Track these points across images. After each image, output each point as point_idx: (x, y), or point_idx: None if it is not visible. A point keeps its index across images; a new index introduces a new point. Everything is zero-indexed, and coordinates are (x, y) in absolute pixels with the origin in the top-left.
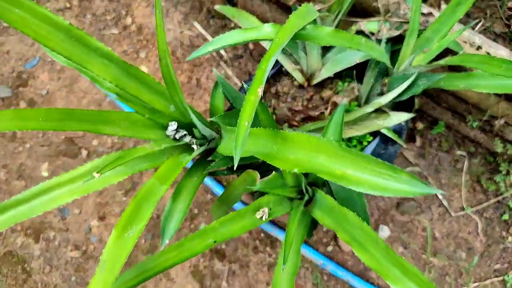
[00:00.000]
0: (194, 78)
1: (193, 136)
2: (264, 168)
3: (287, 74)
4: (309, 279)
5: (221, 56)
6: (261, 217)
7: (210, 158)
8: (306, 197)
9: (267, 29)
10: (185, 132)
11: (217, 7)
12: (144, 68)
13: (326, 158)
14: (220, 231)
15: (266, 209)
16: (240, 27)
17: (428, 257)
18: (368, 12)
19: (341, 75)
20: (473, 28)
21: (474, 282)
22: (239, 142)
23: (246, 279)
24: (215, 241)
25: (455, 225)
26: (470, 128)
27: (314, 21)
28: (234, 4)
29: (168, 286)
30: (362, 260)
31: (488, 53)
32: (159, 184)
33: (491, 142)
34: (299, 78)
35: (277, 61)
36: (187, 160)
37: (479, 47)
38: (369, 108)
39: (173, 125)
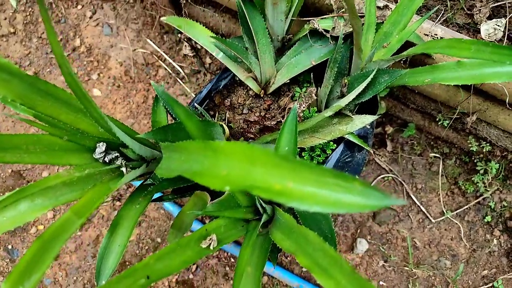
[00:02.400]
0: (150, 97)
1: (126, 157)
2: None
3: (241, 83)
4: None
5: (178, 73)
6: (208, 246)
7: (149, 182)
8: (264, 217)
9: None
10: (116, 154)
11: (163, 18)
12: (96, 92)
13: (263, 171)
14: (156, 268)
15: (214, 236)
16: (190, 38)
17: (411, 269)
18: (321, 11)
19: (298, 81)
20: (433, 21)
21: None
22: None
23: None
24: (148, 278)
25: (436, 232)
26: (441, 128)
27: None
28: (182, 12)
29: None
30: None
31: None
32: (76, 218)
33: (465, 141)
34: (254, 87)
35: (229, 70)
36: (116, 186)
37: (441, 39)
38: (328, 112)
39: (101, 147)
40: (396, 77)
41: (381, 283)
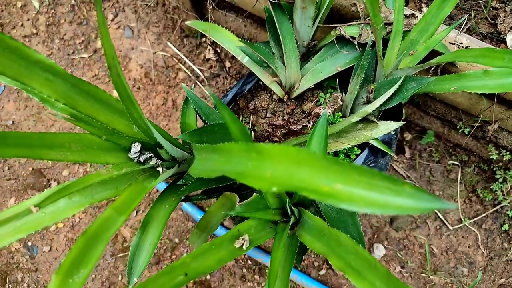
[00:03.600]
0: (169, 99)
1: (160, 158)
2: (244, 189)
3: (265, 88)
4: None
5: (197, 76)
6: (241, 246)
7: (181, 182)
8: (292, 220)
9: None
10: (150, 154)
11: (188, 22)
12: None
13: (309, 172)
14: (192, 266)
15: (246, 237)
16: (214, 42)
17: (428, 275)
18: (346, 18)
19: (322, 86)
20: (457, 29)
21: None
22: None
23: None
24: (186, 275)
25: (454, 239)
26: (461, 136)
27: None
28: (206, 20)
29: None
30: None
31: None
32: (117, 215)
33: (485, 149)
34: (278, 91)
35: (253, 74)
36: (152, 186)
37: (467, 48)
38: (354, 118)
39: (136, 147)
40: (424, 84)
41: None
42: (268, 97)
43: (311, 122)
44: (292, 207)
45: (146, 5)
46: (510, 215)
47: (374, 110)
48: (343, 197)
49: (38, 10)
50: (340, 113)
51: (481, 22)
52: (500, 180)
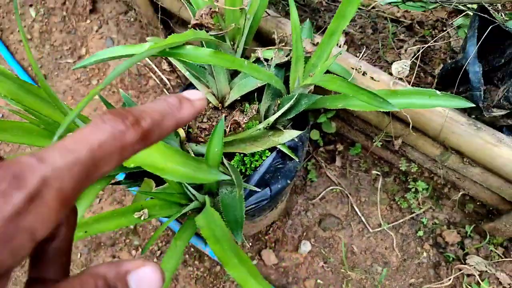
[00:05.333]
0: (139, 104)
1: None
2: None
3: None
4: None
5: (165, 84)
6: (140, 217)
7: None
8: (196, 204)
9: (147, 45)
10: None
11: (149, 38)
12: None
13: (158, 156)
14: (94, 226)
15: (146, 211)
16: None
17: (346, 271)
18: (272, 42)
19: (249, 98)
20: (357, 56)
21: None
22: None
23: None
24: (86, 233)
25: (373, 241)
26: (381, 149)
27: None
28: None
29: None
30: (213, 250)
31: (372, 78)
32: None
33: (399, 162)
34: (212, 100)
35: (193, 85)
36: None
37: (364, 73)
38: (260, 125)
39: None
40: (313, 100)
41: (318, 281)
42: (207, 105)
43: (229, 127)
44: (197, 193)
45: (127, 19)
46: (424, 223)
47: (282, 120)
48: (169, 171)
49: (34, 19)
50: (257, 122)
51: (388, 51)
52: (413, 190)
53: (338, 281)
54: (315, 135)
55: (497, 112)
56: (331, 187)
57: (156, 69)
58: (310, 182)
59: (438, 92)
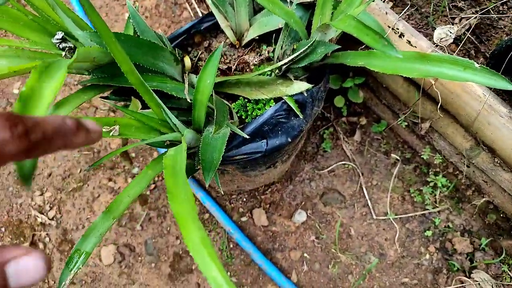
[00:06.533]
0: (169, 33)
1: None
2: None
3: (223, 31)
4: (217, 244)
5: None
6: (109, 132)
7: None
8: (175, 136)
9: None
10: (71, 45)
11: None
12: (126, 15)
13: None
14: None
15: (117, 127)
16: None
17: (337, 251)
18: None
19: (269, 41)
20: (398, 14)
21: None
22: None
23: (160, 228)
24: None
25: (374, 228)
26: (408, 132)
27: None
28: None
29: (89, 217)
30: (166, 182)
31: (409, 42)
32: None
33: (423, 150)
34: (230, 36)
35: (213, 15)
36: (70, 61)
37: (402, 34)
38: (266, 68)
39: (59, 34)
40: (330, 49)
41: (305, 254)
42: (224, 40)
43: (237, 65)
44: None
45: None
46: (436, 223)
47: (296, 69)
48: None
49: None
50: (266, 64)
51: (438, 19)
52: (432, 184)
53: (326, 260)
54: (339, 101)
55: None
56: (343, 162)
57: (193, 0)
58: (323, 152)
59: (476, 64)
